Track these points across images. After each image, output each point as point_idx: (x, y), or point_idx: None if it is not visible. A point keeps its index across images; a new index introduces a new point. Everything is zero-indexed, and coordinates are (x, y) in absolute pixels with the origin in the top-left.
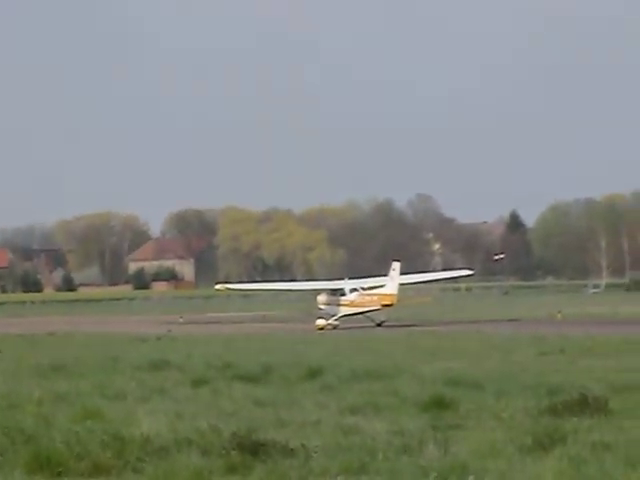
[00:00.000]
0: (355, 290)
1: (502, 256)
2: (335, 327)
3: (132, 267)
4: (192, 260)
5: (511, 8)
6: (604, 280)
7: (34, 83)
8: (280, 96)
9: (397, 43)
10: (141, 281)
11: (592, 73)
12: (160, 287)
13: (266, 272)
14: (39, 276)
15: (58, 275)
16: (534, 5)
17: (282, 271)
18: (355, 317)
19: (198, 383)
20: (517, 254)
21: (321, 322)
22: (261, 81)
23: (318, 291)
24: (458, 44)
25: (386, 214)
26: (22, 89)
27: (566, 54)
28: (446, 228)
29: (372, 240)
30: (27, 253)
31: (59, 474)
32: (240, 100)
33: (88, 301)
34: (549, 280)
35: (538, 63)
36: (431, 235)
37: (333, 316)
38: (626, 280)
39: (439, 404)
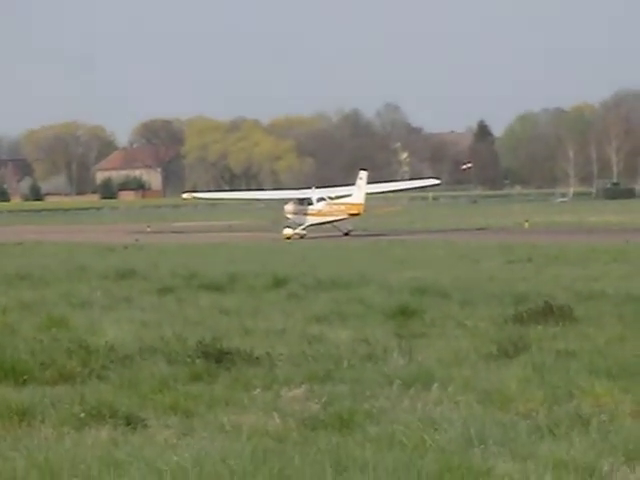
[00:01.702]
0: (322, 199)
1: (470, 165)
2: (302, 236)
3: (99, 177)
4: (159, 169)
5: None
6: (572, 189)
7: None
8: (246, 3)
9: None
10: (108, 190)
11: None
12: (127, 196)
13: (233, 181)
14: (6, 186)
15: (25, 185)
16: None
17: (249, 180)
18: (322, 226)
19: (164, 292)
20: (485, 164)
21: (288, 231)
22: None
23: (285, 200)
24: None
25: (354, 124)
26: None
27: None
28: (414, 138)
29: (340, 150)
30: None
31: (24, 382)
32: (207, 8)
33: (55, 210)
34: (517, 189)
35: None
36: (399, 145)
37: (300, 225)
38: (594, 189)
39: (404, 312)
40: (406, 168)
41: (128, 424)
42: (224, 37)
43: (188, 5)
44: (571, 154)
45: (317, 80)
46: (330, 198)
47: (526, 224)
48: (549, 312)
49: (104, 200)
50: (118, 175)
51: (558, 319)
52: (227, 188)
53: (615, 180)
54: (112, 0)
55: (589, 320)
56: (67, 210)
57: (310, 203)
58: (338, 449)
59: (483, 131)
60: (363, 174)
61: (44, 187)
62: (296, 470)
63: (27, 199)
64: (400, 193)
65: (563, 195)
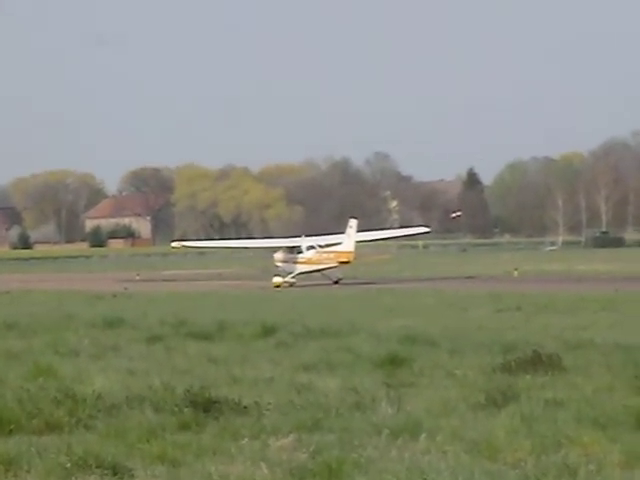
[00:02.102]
0: (312, 248)
1: (459, 214)
2: (292, 285)
3: (89, 225)
4: (149, 218)
5: None
6: (561, 237)
7: None
8: (235, 51)
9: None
10: (98, 239)
11: (554, 32)
12: (117, 245)
13: (223, 230)
14: None
15: (14, 233)
16: None
17: (239, 229)
18: (312, 275)
19: (152, 340)
20: (474, 212)
21: (278, 280)
22: (215, 44)
23: (275, 249)
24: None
25: (343, 172)
26: None
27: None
28: (403, 186)
29: (329, 198)
30: None
31: (10, 432)
32: (196, 56)
33: (44, 259)
34: (506, 238)
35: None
36: (388, 193)
37: (290, 274)
38: (583, 238)
39: (393, 361)
40: (396, 216)
41: (115, 474)
42: (213, 85)
43: (178, 55)
44: (560, 203)
45: (306, 128)
46: (320, 246)
47: (515, 273)
48: (538, 361)
49: (93, 248)
50: (107, 223)
51: (547, 368)
52: (216, 236)
53: (604, 229)
54: (103, 49)
55: (578, 369)
56: (56, 258)
57: (300, 251)
58: None
59: (472, 179)
60: (353, 222)
61: (33, 235)
62: None
63: (16, 247)
64: (390, 241)
65: (552, 243)
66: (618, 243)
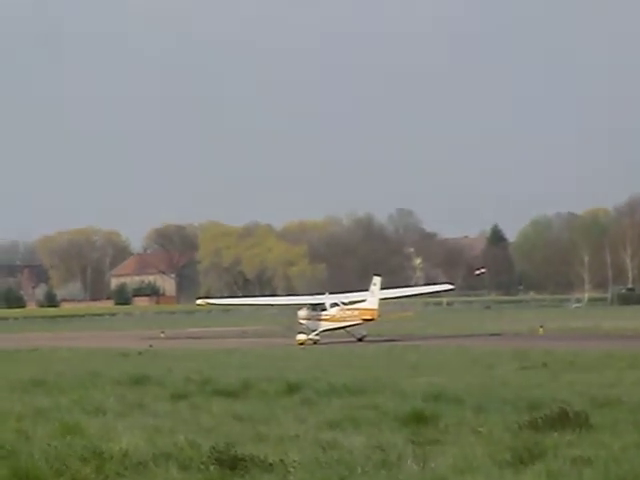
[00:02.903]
0: (336, 305)
1: (483, 270)
2: (316, 342)
3: (114, 282)
4: (173, 275)
5: None
6: (586, 294)
7: (6, 93)
8: (259, 110)
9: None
10: (123, 296)
11: (564, 80)
12: (142, 302)
13: (247, 287)
14: (22, 292)
15: (41, 291)
16: None
17: (263, 286)
18: (336, 332)
19: (177, 398)
20: (499, 269)
21: (302, 337)
22: (243, 100)
23: (299, 306)
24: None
25: (366, 229)
26: None
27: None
28: (427, 243)
29: (352, 255)
30: (10, 269)
31: None
32: (219, 112)
33: (70, 317)
34: (531, 295)
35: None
36: (412, 250)
37: (314, 331)
38: (609, 294)
39: (419, 419)
40: (420, 273)
41: None
42: (237, 144)
43: (200, 111)
44: (586, 259)
45: (329, 184)
46: (343, 303)
47: (540, 330)
48: (565, 419)
49: (118, 306)
50: (132, 281)
51: (574, 426)
52: (240, 293)
53: (630, 285)
54: (118, 106)
55: (605, 427)
56: (82, 316)
57: (324, 308)
58: None
59: (497, 236)
60: (377, 279)
61: (59, 293)
62: None
63: (42, 305)
64: (414, 298)
65: (578, 300)
66: None
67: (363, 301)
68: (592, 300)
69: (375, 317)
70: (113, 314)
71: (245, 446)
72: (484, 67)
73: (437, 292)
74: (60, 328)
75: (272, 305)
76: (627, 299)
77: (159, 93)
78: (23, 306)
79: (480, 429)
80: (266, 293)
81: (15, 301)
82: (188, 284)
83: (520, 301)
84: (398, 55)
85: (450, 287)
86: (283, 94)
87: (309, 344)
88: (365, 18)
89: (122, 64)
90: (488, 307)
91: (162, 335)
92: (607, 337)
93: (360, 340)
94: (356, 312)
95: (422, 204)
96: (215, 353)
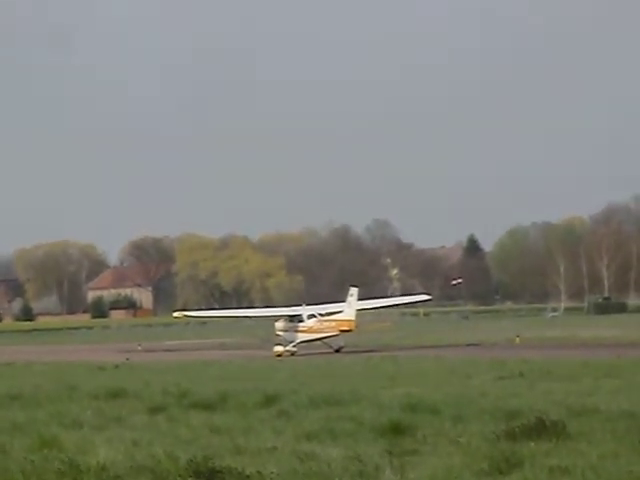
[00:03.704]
0: (313, 316)
1: (460, 281)
2: (293, 353)
3: (90, 296)
4: (150, 288)
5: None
6: (563, 304)
7: None
8: (232, 121)
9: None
10: (99, 310)
11: (554, 98)
12: (118, 315)
13: (224, 299)
14: None
15: (17, 305)
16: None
17: (240, 298)
18: (313, 343)
19: (155, 411)
20: (475, 279)
21: (279, 348)
22: (221, 108)
23: (276, 317)
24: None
25: (343, 240)
26: None
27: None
28: (404, 253)
29: (329, 266)
30: None
31: None
32: (195, 123)
33: (47, 330)
34: (508, 304)
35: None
36: (389, 260)
37: (291, 342)
38: (585, 304)
39: (396, 429)
40: (397, 284)
41: None
42: (211, 155)
43: (173, 126)
44: (562, 269)
45: (306, 195)
46: (321, 315)
47: (517, 339)
48: (542, 428)
49: (95, 319)
50: (109, 294)
51: (551, 435)
52: (218, 306)
53: (606, 294)
54: (99, 121)
55: (582, 436)
56: (58, 330)
57: (301, 320)
58: None
59: (473, 246)
60: (354, 290)
61: (35, 307)
62: None
63: (18, 319)
64: (391, 309)
65: (554, 310)
66: (620, 309)
67: (340, 312)
68: (568, 309)
69: (352, 328)
70: (90, 327)
71: (223, 458)
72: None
73: (414, 302)
74: (36, 342)
75: (249, 317)
76: (603, 308)
77: (136, 102)
78: None
79: (459, 439)
80: (243, 305)
81: None
82: (165, 297)
83: (497, 311)
84: (375, 67)
85: (427, 297)
86: (262, 100)
87: (286, 356)
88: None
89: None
90: (466, 317)
91: (139, 348)
92: (584, 346)
93: (337, 351)
94: (333, 323)
95: (398, 215)
96: (192, 365)
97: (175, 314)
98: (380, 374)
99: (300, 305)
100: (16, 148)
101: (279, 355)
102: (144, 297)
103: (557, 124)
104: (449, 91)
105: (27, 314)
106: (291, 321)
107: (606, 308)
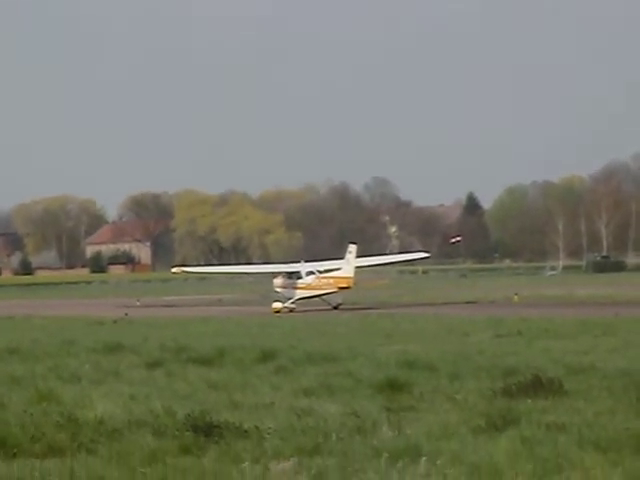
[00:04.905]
0: (311, 273)
1: (459, 239)
2: (291, 310)
3: (89, 251)
4: (149, 243)
5: None
6: (561, 262)
7: None
8: (237, 78)
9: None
10: (98, 265)
11: (554, 52)
12: (117, 270)
13: (222, 255)
14: None
15: (16, 259)
16: None
17: (238, 254)
18: (312, 300)
19: (153, 366)
20: (474, 237)
21: (277, 305)
22: (217, 66)
23: (274, 274)
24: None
25: (342, 197)
26: None
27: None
28: (403, 211)
29: (328, 223)
30: None
31: (14, 455)
32: (195, 83)
33: (46, 285)
34: (506, 263)
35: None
36: (387, 218)
37: (289, 299)
38: (583, 262)
39: (393, 386)
40: (395, 241)
41: None
42: (212, 112)
43: (176, 80)
44: (560, 227)
45: (305, 153)
46: (319, 272)
47: (515, 298)
48: (539, 385)
49: (94, 274)
50: (108, 249)
51: (548, 392)
52: (216, 262)
53: (605, 253)
54: (100, 73)
55: (579, 393)
56: (57, 284)
57: (299, 277)
58: None
59: (472, 204)
60: (352, 247)
61: (34, 261)
62: None
63: (17, 273)
64: (389, 266)
65: (553, 268)
66: (619, 267)
67: (339, 269)
68: (567, 268)
69: (350, 285)
70: (88, 282)
71: (220, 413)
72: (460, 40)
73: (412, 260)
74: (35, 296)
75: (248, 273)
76: (602, 267)
77: (135, 59)
78: None
79: (455, 396)
80: (242, 261)
81: None
82: (163, 252)
83: (495, 269)
84: (375, 26)
85: (425, 255)
86: (264, 61)
87: (285, 312)
88: None
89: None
90: (464, 275)
91: (137, 303)
92: (582, 305)
93: (335, 308)
94: (332, 280)
95: (398, 173)
96: (190, 321)
97: (173, 270)
98: (378, 331)
99: (299, 262)
100: (12, 104)
101: (277, 311)
102: (143, 252)
103: (558, 80)
104: (448, 49)
105: (26, 268)
106: (289, 278)
107: (604, 266)
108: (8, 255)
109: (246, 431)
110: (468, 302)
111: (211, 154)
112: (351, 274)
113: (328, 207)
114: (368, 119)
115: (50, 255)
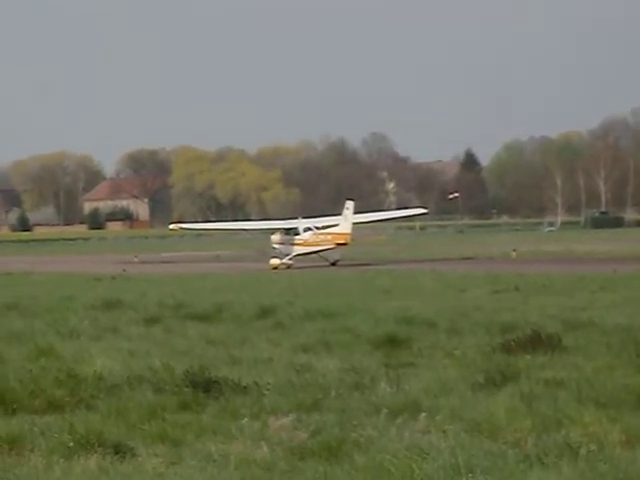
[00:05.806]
0: (309, 229)
1: (457, 195)
2: (289, 266)
3: (87, 207)
4: (146, 200)
5: None
6: (559, 218)
7: None
8: (236, 32)
9: None
10: (96, 221)
11: (551, 12)
12: (115, 227)
13: (220, 212)
14: None
15: (14, 215)
16: None
17: (236, 211)
18: (309, 256)
19: (151, 322)
20: (472, 193)
21: (275, 261)
22: (217, 21)
23: (272, 230)
24: None
25: (340, 153)
26: None
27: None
28: (400, 167)
29: (326, 179)
30: None
31: (13, 411)
32: (192, 40)
33: (44, 241)
34: (504, 219)
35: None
36: (385, 174)
37: (287, 255)
38: (582, 218)
39: (392, 342)
40: (393, 197)
41: (117, 453)
42: (210, 68)
43: (174, 38)
44: (559, 183)
45: (303, 109)
46: (317, 228)
47: (513, 254)
48: (537, 341)
49: (92, 230)
50: (105, 205)
51: (546, 348)
52: (214, 218)
53: (603, 209)
54: (98, 30)
55: (577, 349)
56: (55, 240)
57: (297, 233)
58: (326, 478)
59: (470, 160)
60: (350, 204)
61: (32, 218)
62: None
63: (15, 230)
64: (387, 223)
65: (551, 224)
66: (617, 223)
67: (336, 226)
68: (565, 224)
69: (348, 241)
70: (86, 239)
71: (219, 369)
72: None
73: (410, 216)
74: (33, 252)
75: (245, 230)
76: (600, 222)
77: (131, 11)
78: None
79: (454, 352)
80: (239, 218)
81: None
82: (161, 209)
83: (493, 225)
84: None
85: (423, 211)
86: (257, 17)
87: (282, 268)
88: None
89: None
90: (461, 231)
91: (135, 260)
92: (580, 261)
93: (333, 264)
94: (329, 236)
95: (395, 128)
96: (188, 278)
97: (171, 226)
98: (376, 287)
99: (296, 218)
100: (12, 62)
101: (275, 268)
102: (140, 209)
103: (556, 35)
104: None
105: (24, 225)
106: (287, 234)
107: (603, 222)
108: (6, 212)
109: (245, 387)
110: (466, 258)
111: (209, 110)
112: (349, 230)
113: (325, 163)
114: (365, 74)
115: (48, 211)
